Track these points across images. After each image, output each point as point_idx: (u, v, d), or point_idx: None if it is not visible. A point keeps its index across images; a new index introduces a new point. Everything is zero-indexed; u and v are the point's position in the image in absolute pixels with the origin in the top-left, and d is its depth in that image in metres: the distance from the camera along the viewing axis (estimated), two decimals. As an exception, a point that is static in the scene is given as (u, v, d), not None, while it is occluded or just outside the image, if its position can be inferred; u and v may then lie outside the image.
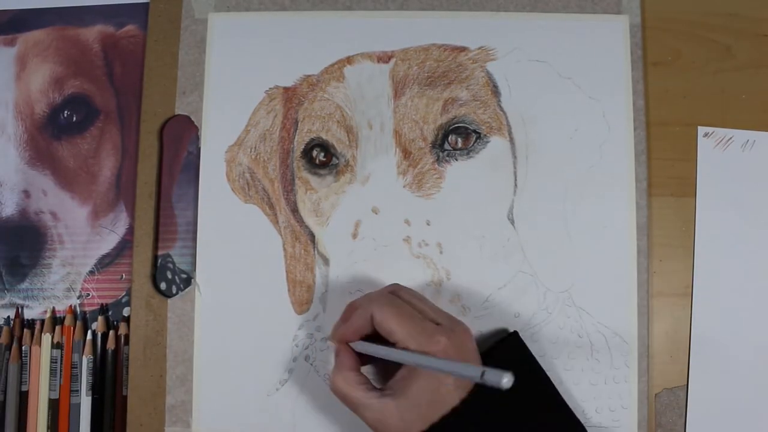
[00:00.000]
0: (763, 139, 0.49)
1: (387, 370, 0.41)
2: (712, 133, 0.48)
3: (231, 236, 0.49)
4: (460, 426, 0.37)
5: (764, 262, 0.48)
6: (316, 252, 0.49)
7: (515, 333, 0.45)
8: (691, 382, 0.47)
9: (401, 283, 0.45)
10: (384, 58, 0.50)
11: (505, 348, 0.44)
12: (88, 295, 0.50)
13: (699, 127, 0.49)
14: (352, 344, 0.41)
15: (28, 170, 0.51)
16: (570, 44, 0.50)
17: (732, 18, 0.51)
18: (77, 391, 0.48)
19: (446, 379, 0.37)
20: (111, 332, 0.49)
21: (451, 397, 0.37)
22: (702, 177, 0.49)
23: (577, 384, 0.47)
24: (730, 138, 0.49)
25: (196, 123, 0.50)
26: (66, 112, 0.52)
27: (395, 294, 0.42)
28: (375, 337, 0.41)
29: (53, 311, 0.50)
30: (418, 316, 0.40)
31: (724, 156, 0.49)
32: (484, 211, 0.48)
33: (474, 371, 0.33)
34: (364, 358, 0.42)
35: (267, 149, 0.50)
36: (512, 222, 0.48)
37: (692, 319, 0.48)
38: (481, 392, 0.37)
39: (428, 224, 0.48)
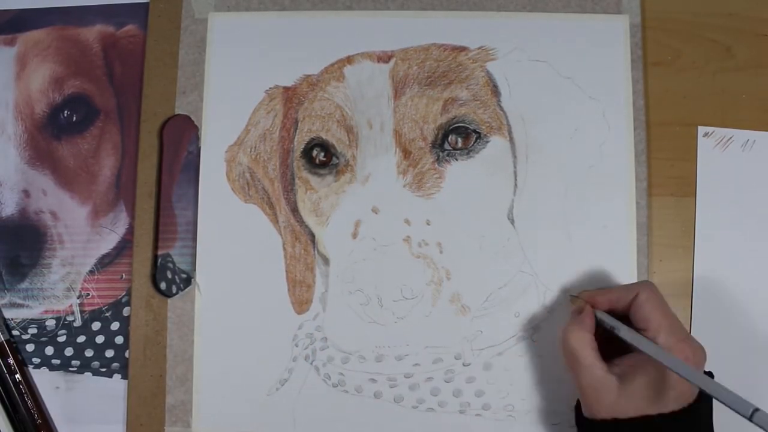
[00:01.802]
0: (763, 139, 0.49)
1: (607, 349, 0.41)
2: (712, 133, 0.48)
3: (231, 236, 0.49)
4: (670, 428, 0.37)
5: (764, 261, 0.48)
6: (316, 252, 0.49)
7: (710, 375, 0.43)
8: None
9: (401, 283, 0.45)
10: (384, 57, 0.50)
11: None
12: (88, 294, 0.50)
13: (699, 127, 0.49)
14: (598, 314, 0.42)
15: (28, 170, 0.51)
16: (570, 44, 0.50)
17: (732, 18, 0.51)
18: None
19: (675, 384, 0.38)
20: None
21: (671, 402, 0.38)
22: (702, 177, 0.49)
23: (577, 384, 0.47)
24: (730, 138, 0.49)
25: (196, 123, 0.50)
26: (66, 111, 0.52)
27: (658, 292, 0.42)
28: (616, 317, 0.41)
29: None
30: (678, 319, 0.40)
31: (724, 156, 0.49)
32: (484, 211, 0.48)
33: (744, 406, 0.33)
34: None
35: (267, 149, 0.50)
36: (512, 222, 0.48)
37: (692, 319, 0.48)
38: (698, 409, 0.38)
39: (428, 224, 0.48)
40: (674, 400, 0.38)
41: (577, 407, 0.43)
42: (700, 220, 0.49)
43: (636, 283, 0.43)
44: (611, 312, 0.42)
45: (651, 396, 0.38)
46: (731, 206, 0.49)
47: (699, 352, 0.39)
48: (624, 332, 0.40)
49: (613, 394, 0.38)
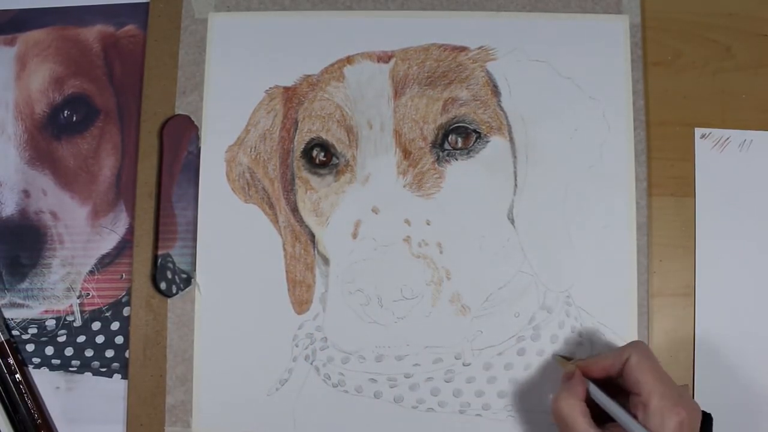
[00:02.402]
0: (760, 139, 0.49)
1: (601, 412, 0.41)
2: (709, 135, 0.48)
3: (231, 236, 0.49)
4: None
5: (765, 259, 0.48)
6: (316, 252, 0.49)
7: (709, 417, 0.43)
8: (697, 381, 0.47)
9: (401, 283, 0.45)
10: (384, 57, 0.50)
11: None
12: (88, 294, 0.50)
13: (696, 129, 0.49)
14: (591, 388, 0.41)
15: (28, 170, 0.51)
16: (570, 44, 0.50)
17: (732, 18, 0.51)
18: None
19: None
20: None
21: None
22: (700, 178, 0.49)
23: (577, 384, 0.47)
24: (728, 138, 0.49)
25: (196, 123, 0.50)
26: (66, 111, 0.52)
27: (649, 355, 0.41)
28: (604, 384, 0.41)
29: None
30: (671, 380, 0.40)
31: (722, 157, 0.49)
32: (484, 211, 0.48)
33: None
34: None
35: (267, 149, 0.50)
36: (512, 222, 0.48)
37: (696, 319, 0.48)
38: None
39: (428, 224, 0.48)
40: None
41: None
42: (700, 221, 0.49)
43: (627, 345, 0.41)
44: (606, 379, 0.41)
45: None
46: (731, 206, 0.49)
47: (694, 414, 0.38)
48: (599, 396, 0.40)
49: None
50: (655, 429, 0.37)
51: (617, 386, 0.41)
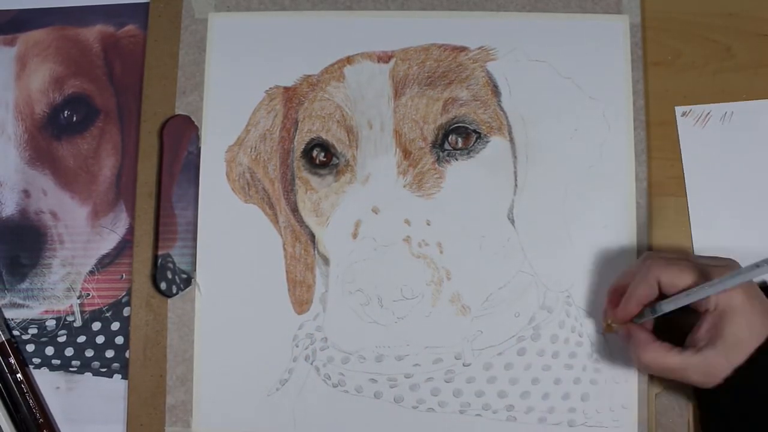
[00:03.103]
0: (740, 109, 0.49)
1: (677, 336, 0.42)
2: (689, 112, 0.48)
3: (231, 236, 0.49)
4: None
5: (758, 229, 0.48)
6: (316, 252, 0.49)
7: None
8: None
9: (401, 283, 0.45)
10: (384, 58, 0.50)
11: None
12: (88, 295, 0.50)
13: (676, 107, 0.49)
14: (661, 306, 0.41)
15: (28, 170, 0.51)
16: (570, 44, 0.50)
17: (732, 18, 0.51)
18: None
19: (755, 317, 0.38)
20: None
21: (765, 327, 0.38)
22: (686, 155, 0.49)
23: (578, 383, 0.47)
24: (708, 113, 0.49)
25: (196, 123, 0.50)
26: (66, 111, 0.52)
27: (659, 256, 0.42)
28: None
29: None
30: (697, 258, 0.41)
31: (704, 132, 0.49)
32: (484, 211, 0.48)
33: None
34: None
35: (267, 149, 0.50)
36: (512, 222, 0.48)
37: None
38: None
39: (428, 224, 0.48)
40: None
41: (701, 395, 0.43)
42: (692, 201, 0.48)
43: (640, 265, 0.42)
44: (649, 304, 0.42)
45: (749, 332, 0.38)
46: (720, 180, 0.49)
47: (735, 264, 0.41)
48: (666, 306, 0.40)
49: (722, 360, 0.38)
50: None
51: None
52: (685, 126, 0.48)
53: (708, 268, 0.40)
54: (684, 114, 0.47)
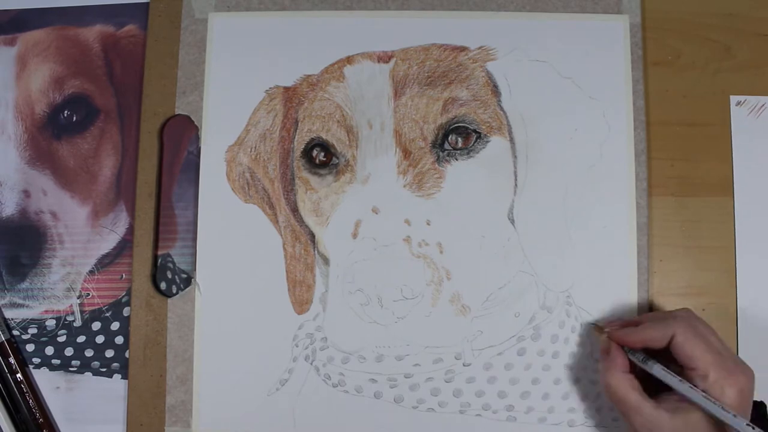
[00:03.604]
0: None
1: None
2: (744, 102, 0.48)
3: (231, 236, 0.49)
4: None
5: None
6: (316, 252, 0.49)
7: (762, 403, 0.43)
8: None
9: (401, 283, 0.45)
10: (384, 57, 0.50)
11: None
12: (88, 294, 0.50)
13: (731, 96, 0.49)
14: (654, 366, 0.40)
15: (28, 170, 0.51)
16: (570, 44, 0.50)
17: (732, 18, 0.51)
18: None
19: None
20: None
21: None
22: (738, 144, 0.49)
23: (578, 383, 0.47)
24: (763, 105, 0.49)
25: (196, 123, 0.50)
26: (66, 111, 0.52)
27: (693, 320, 0.41)
28: (650, 352, 0.41)
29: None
30: (723, 348, 0.39)
31: (758, 122, 0.49)
32: (484, 211, 0.48)
33: None
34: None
35: (267, 149, 0.50)
36: (512, 222, 0.48)
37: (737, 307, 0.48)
38: None
39: (428, 224, 0.48)
40: None
41: None
42: (738, 190, 0.48)
43: (670, 317, 0.41)
44: (646, 349, 0.41)
45: (710, 428, 0.37)
46: None
47: (750, 377, 0.38)
48: (657, 371, 0.39)
49: (667, 430, 0.38)
50: (716, 399, 0.37)
51: (663, 354, 0.40)
52: (738, 115, 0.48)
53: (723, 365, 0.38)
54: (738, 104, 0.47)
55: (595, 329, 0.45)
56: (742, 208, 0.49)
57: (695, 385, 0.38)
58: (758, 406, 0.42)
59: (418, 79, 0.49)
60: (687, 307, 0.43)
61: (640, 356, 0.41)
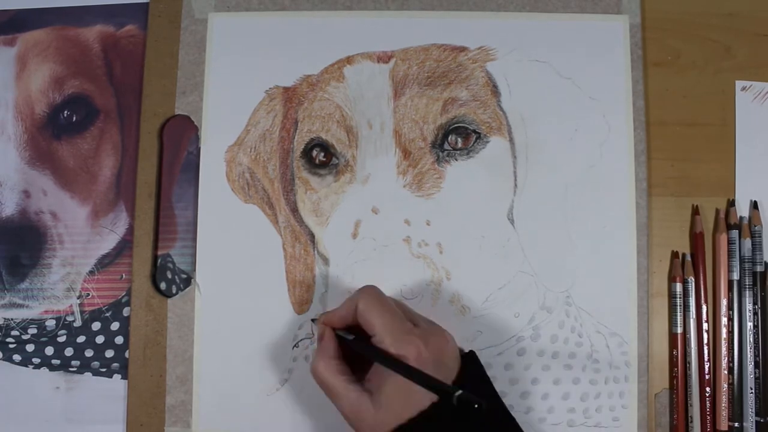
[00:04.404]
0: None
1: (365, 363, 0.42)
2: (749, 87, 0.48)
3: (231, 236, 0.49)
4: (428, 428, 0.37)
5: None
6: (316, 252, 0.49)
7: (472, 352, 0.44)
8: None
9: (401, 283, 0.46)
10: (384, 58, 0.50)
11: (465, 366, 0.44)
12: (88, 295, 0.50)
13: (737, 82, 0.49)
14: (341, 330, 0.42)
15: (28, 170, 0.51)
16: (570, 44, 0.50)
17: (732, 18, 0.51)
18: None
19: (414, 390, 0.37)
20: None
21: (422, 400, 0.37)
22: (741, 130, 0.49)
23: (577, 383, 0.47)
24: None
25: (196, 123, 0.50)
26: (66, 112, 0.52)
27: (376, 294, 0.42)
28: (359, 329, 0.41)
29: None
30: (399, 314, 0.41)
31: (763, 108, 0.49)
32: (484, 211, 0.48)
33: (445, 387, 0.34)
34: (345, 348, 0.42)
35: (267, 149, 0.50)
36: (512, 222, 0.48)
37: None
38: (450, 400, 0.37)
39: (428, 224, 0.48)
40: (428, 393, 0.37)
41: None
42: (740, 177, 0.49)
43: (356, 292, 0.42)
44: (350, 327, 0.42)
45: (403, 399, 0.37)
46: None
47: (434, 341, 0.39)
48: (355, 344, 0.41)
49: (370, 412, 0.38)
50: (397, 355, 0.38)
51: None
52: (743, 100, 0.48)
53: (400, 328, 0.39)
54: (744, 89, 0.47)
55: (314, 322, 0.46)
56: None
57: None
58: (470, 356, 0.43)
59: (418, 80, 0.49)
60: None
61: (346, 334, 0.42)
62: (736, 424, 0.46)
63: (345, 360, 0.41)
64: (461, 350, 0.42)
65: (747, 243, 0.48)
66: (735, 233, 0.48)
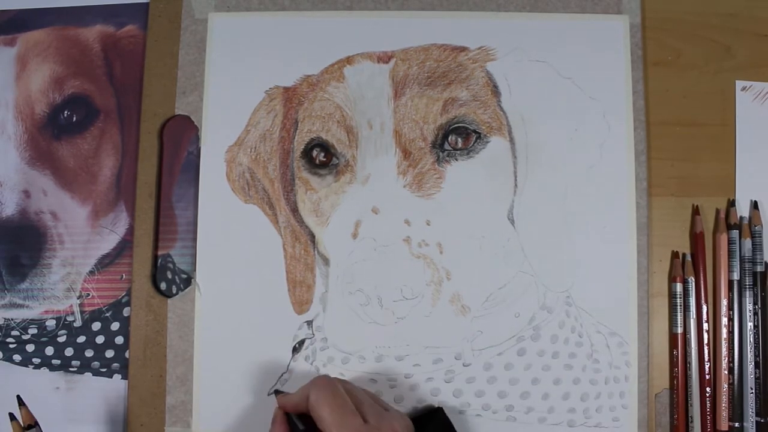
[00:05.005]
0: None
1: None
2: (749, 87, 0.48)
3: (231, 236, 0.49)
4: None
5: None
6: (316, 252, 0.49)
7: (440, 409, 0.45)
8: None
9: (401, 284, 0.45)
10: (384, 58, 0.50)
11: (430, 423, 0.44)
12: (88, 295, 0.50)
13: (737, 82, 0.49)
14: (296, 418, 0.42)
15: (28, 170, 0.51)
16: (570, 44, 0.50)
17: (732, 18, 0.51)
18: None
19: None
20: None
21: None
22: (741, 130, 0.49)
23: (577, 384, 0.47)
24: None
25: (196, 123, 0.50)
26: (66, 112, 0.52)
27: (339, 383, 0.42)
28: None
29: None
30: (350, 408, 0.40)
31: (763, 108, 0.49)
32: (484, 211, 0.48)
33: None
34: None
35: (267, 149, 0.50)
36: (512, 222, 0.48)
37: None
38: None
39: (428, 224, 0.48)
40: None
41: None
42: (740, 177, 0.49)
43: (311, 382, 0.42)
44: (305, 414, 0.41)
45: None
46: None
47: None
48: (297, 423, 0.41)
49: None
50: None
51: None
52: (743, 100, 0.48)
53: (346, 424, 0.39)
54: (744, 89, 0.47)
55: (276, 394, 0.45)
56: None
57: None
58: (436, 412, 0.45)
59: (418, 80, 0.49)
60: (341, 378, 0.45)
61: (298, 421, 0.41)
62: (737, 424, 0.46)
63: None
64: (430, 407, 0.43)
65: (747, 243, 0.48)
66: (735, 233, 0.48)
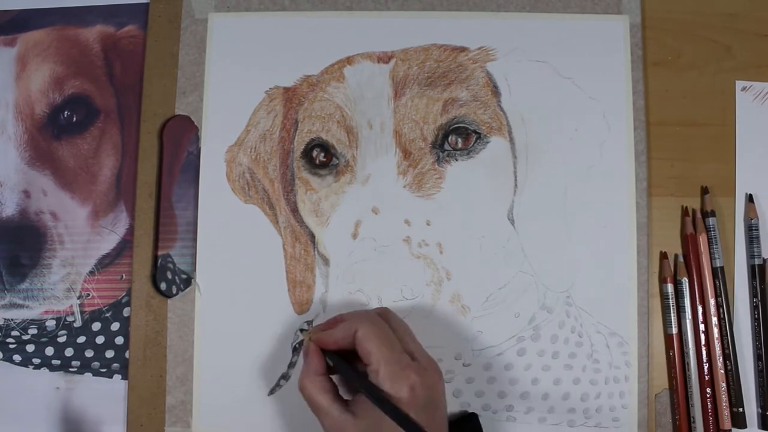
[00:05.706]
0: None
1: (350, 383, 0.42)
2: (749, 87, 0.48)
3: (231, 236, 0.49)
4: None
5: None
6: (316, 252, 0.49)
7: (474, 415, 0.45)
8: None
9: (401, 284, 0.45)
10: (384, 58, 0.50)
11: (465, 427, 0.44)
12: (88, 295, 0.50)
13: (737, 82, 0.49)
14: (329, 356, 0.41)
15: (28, 170, 0.51)
16: (570, 44, 0.50)
17: (732, 18, 0.51)
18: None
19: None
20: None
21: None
22: (741, 130, 0.49)
23: (577, 384, 0.47)
24: None
25: (196, 123, 0.50)
26: (66, 112, 0.52)
27: (383, 317, 0.42)
28: (349, 353, 0.41)
29: None
30: (398, 346, 0.40)
31: (763, 109, 0.49)
32: (484, 211, 0.48)
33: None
34: (331, 367, 0.42)
35: (267, 149, 0.50)
36: (512, 222, 0.48)
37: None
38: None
39: (428, 224, 0.48)
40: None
41: None
42: (740, 177, 0.49)
43: (356, 315, 0.41)
44: (342, 350, 0.41)
45: (387, 428, 0.37)
46: None
47: (428, 376, 0.39)
48: (345, 372, 0.40)
49: None
50: (388, 393, 0.38)
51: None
52: (743, 101, 0.48)
53: (395, 360, 0.38)
54: (744, 89, 0.47)
55: (302, 333, 0.45)
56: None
57: (372, 379, 0.39)
58: (471, 417, 0.45)
59: (418, 80, 0.49)
60: (387, 307, 0.45)
61: (334, 356, 0.41)
62: (740, 409, 0.46)
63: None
64: (464, 412, 0.43)
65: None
66: (713, 221, 0.48)
